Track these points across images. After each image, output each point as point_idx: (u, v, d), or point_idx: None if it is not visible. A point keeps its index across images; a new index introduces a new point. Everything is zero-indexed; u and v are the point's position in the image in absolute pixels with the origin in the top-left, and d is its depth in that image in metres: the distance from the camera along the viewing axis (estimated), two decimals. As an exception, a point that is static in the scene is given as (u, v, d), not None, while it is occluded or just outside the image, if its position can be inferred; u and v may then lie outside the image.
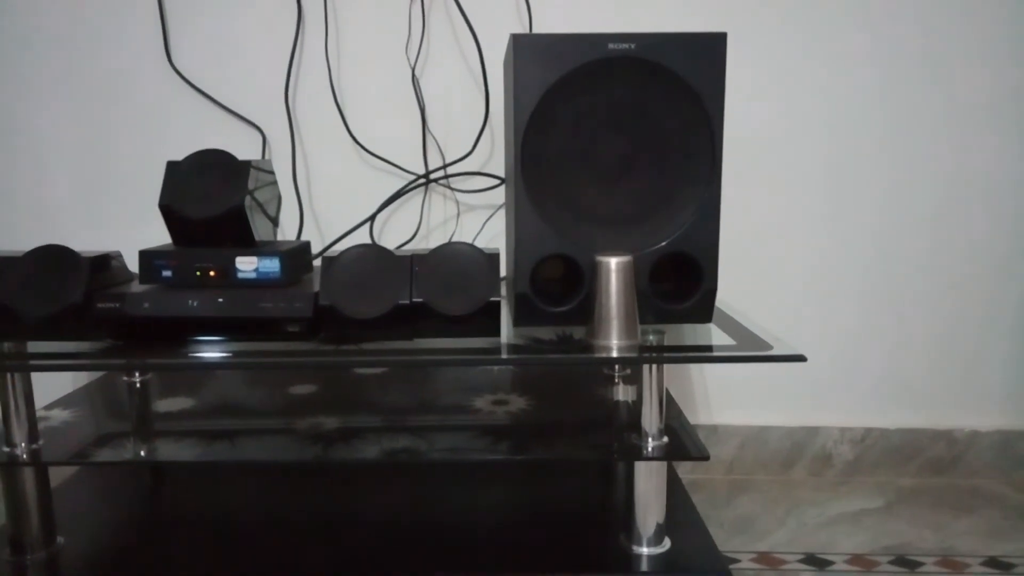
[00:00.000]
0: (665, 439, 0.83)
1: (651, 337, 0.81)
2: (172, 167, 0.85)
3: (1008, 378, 1.24)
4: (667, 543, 0.86)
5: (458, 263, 0.81)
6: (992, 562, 0.99)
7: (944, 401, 1.25)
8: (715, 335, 0.83)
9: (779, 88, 1.17)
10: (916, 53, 1.15)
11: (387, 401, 0.99)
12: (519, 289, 0.81)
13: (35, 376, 0.86)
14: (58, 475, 1.04)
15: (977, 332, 1.23)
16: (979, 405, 1.25)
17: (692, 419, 1.25)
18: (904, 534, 1.07)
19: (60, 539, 0.89)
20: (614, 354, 0.77)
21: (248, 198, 0.84)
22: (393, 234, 1.22)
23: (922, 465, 1.25)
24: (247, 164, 0.86)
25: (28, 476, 0.85)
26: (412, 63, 1.17)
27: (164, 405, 0.99)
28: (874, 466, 1.25)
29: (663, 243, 0.80)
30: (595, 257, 0.77)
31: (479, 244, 0.83)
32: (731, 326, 0.87)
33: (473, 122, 1.17)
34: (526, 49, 0.76)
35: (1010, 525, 1.10)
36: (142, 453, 0.84)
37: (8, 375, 0.82)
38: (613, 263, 0.76)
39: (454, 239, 1.21)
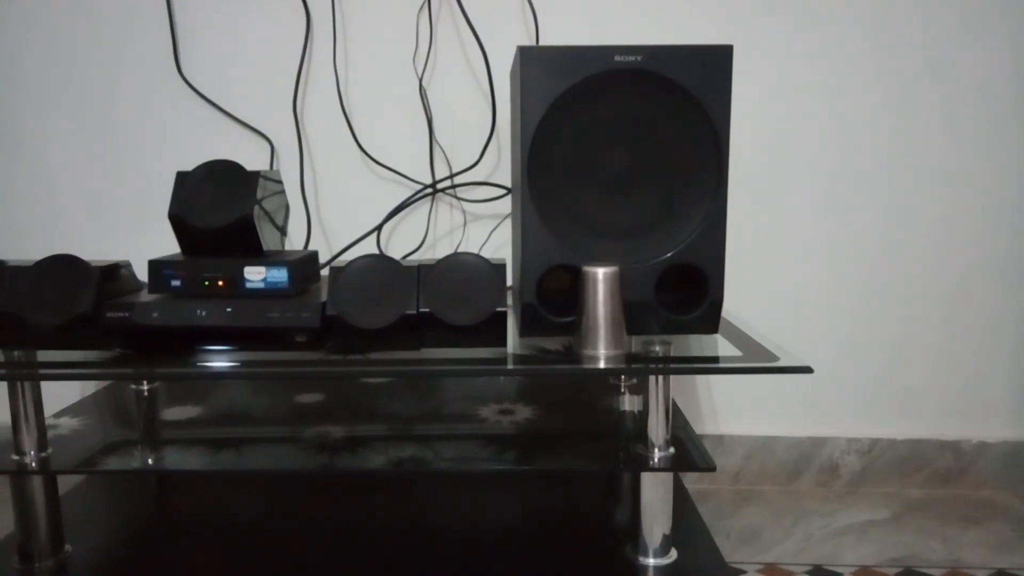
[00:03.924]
0: (671, 450, 0.83)
1: (657, 348, 0.81)
2: (181, 177, 0.86)
3: (1016, 388, 1.23)
4: (673, 554, 0.86)
5: (464, 273, 0.81)
6: (1000, 574, 0.99)
7: (951, 412, 1.24)
8: (721, 346, 0.83)
9: (783, 97, 1.17)
10: (920, 64, 1.15)
11: (393, 410, 0.99)
12: (525, 299, 0.81)
13: (44, 384, 0.86)
14: (66, 482, 1.05)
15: (984, 342, 1.22)
16: (986, 416, 1.24)
17: (698, 429, 1.25)
18: (911, 546, 1.07)
19: (68, 547, 0.89)
20: (601, 364, 0.77)
21: (256, 208, 0.84)
22: (400, 243, 1.22)
23: (929, 476, 1.25)
24: (256, 174, 0.86)
25: (37, 484, 0.85)
26: (419, 73, 1.17)
27: (172, 414, 0.99)
28: (881, 477, 1.25)
29: (669, 254, 0.80)
30: (582, 267, 0.77)
31: (485, 254, 0.84)
32: (737, 337, 0.87)
33: (480, 132, 1.18)
34: (533, 61, 0.76)
35: (1018, 537, 1.09)
36: (150, 461, 0.84)
37: (18, 383, 0.83)
38: (600, 273, 0.76)
39: (460, 249, 1.21)
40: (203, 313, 0.81)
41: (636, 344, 0.83)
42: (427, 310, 0.80)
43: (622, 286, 0.77)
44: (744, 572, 0.99)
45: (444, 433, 0.91)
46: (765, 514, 1.16)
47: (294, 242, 1.22)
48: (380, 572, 0.86)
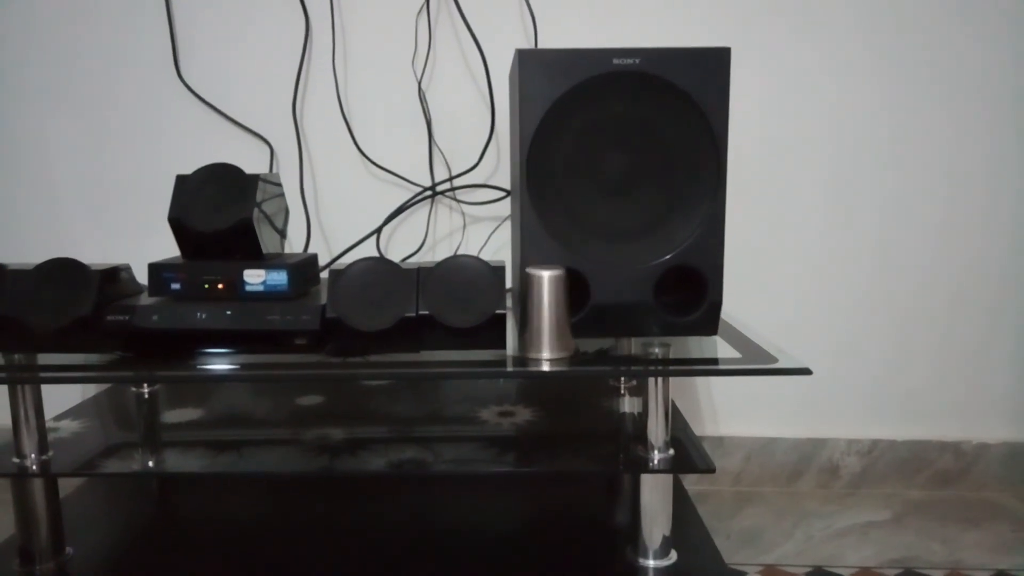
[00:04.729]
0: (671, 451, 0.83)
1: (657, 349, 0.81)
2: (181, 181, 0.86)
3: (1016, 389, 1.23)
4: (673, 556, 0.86)
5: (464, 276, 0.81)
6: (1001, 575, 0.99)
7: (951, 413, 1.24)
8: (720, 348, 0.83)
9: (782, 98, 1.17)
10: (919, 67, 1.15)
11: (393, 413, 0.99)
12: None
13: (44, 387, 0.86)
14: (67, 485, 1.05)
15: (984, 342, 1.22)
16: (987, 417, 1.24)
17: (698, 431, 1.25)
18: (912, 547, 1.07)
19: (69, 549, 0.90)
20: (545, 368, 0.76)
21: (256, 211, 0.85)
22: (399, 246, 1.22)
23: (930, 477, 1.25)
24: (255, 177, 0.86)
25: (37, 487, 0.85)
26: (418, 76, 1.18)
27: (172, 416, 0.99)
28: (881, 478, 1.25)
29: (668, 256, 0.80)
30: (526, 270, 0.77)
31: (485, 256, 0.84)
32: (737, 338, 0.87)
33: (479, 135, 1.18)
34: (531, 64, 0.77)
35: (1019, 538, 1.09)
36: (150, 464, 0.84)
37: (19, 387, 0.83)
38: (545, 276, 0.76)
39: (460, 251, 1.22)
40: (203, 316, 0.81)
41: (635, 346, 0.83)
42: (427, 312, 0.80)
43: (567, 289, 0.77)
44: (744, 574, 0.99)
45: (444, 435, 0.91)
46: (765, 515, 1.16)
47: (294, 245, 1.22)
48: (380, 574, 0.86)
